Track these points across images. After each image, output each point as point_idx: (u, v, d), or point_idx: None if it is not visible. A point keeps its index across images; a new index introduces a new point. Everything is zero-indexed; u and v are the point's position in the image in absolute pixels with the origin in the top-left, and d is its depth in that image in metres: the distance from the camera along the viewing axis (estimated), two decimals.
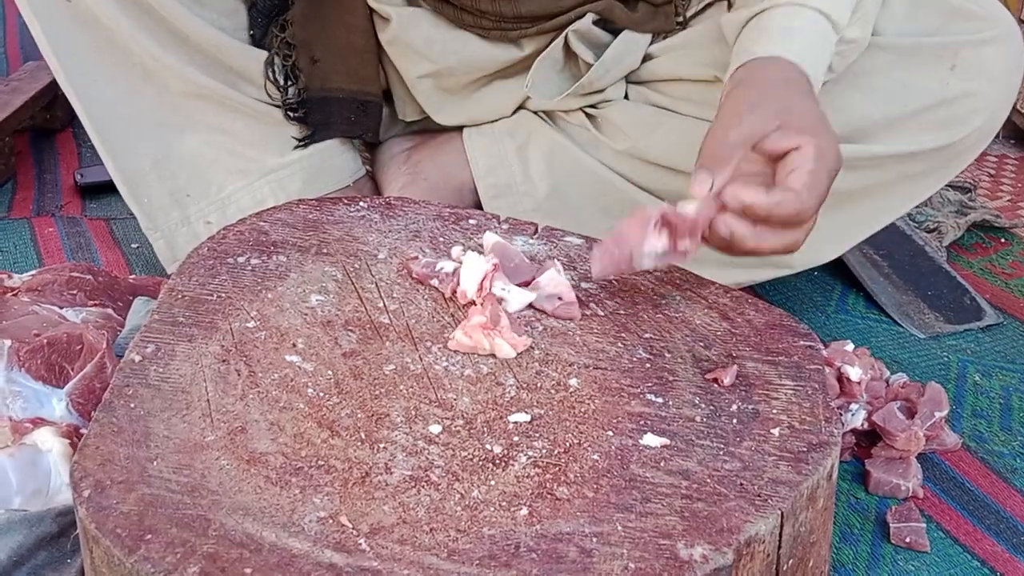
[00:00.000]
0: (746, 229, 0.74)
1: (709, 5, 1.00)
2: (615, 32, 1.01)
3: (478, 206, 1.05)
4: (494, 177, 1.05)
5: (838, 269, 1.15)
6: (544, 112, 1.06)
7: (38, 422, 0.80)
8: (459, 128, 1.08)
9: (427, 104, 1.07)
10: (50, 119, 1.41)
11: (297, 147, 1.04)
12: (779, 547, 0.61)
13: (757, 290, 1.10)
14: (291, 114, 1.03)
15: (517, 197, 1.04)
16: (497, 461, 0.64)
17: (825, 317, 1.09)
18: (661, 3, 1.01)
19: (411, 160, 1.09)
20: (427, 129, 1.11)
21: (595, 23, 1.00)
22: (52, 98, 1.38)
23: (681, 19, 1.01)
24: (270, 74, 1.02)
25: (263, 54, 1.03)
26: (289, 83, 1.03)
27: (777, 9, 0.85)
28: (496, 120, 1.06)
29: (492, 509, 0.60)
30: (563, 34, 0.99)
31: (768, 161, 0.76)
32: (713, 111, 0.99)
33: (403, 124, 1.13)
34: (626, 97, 1.04)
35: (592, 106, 1.04)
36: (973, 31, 0.95)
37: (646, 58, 1.03)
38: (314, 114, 1.04)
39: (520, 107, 1.06)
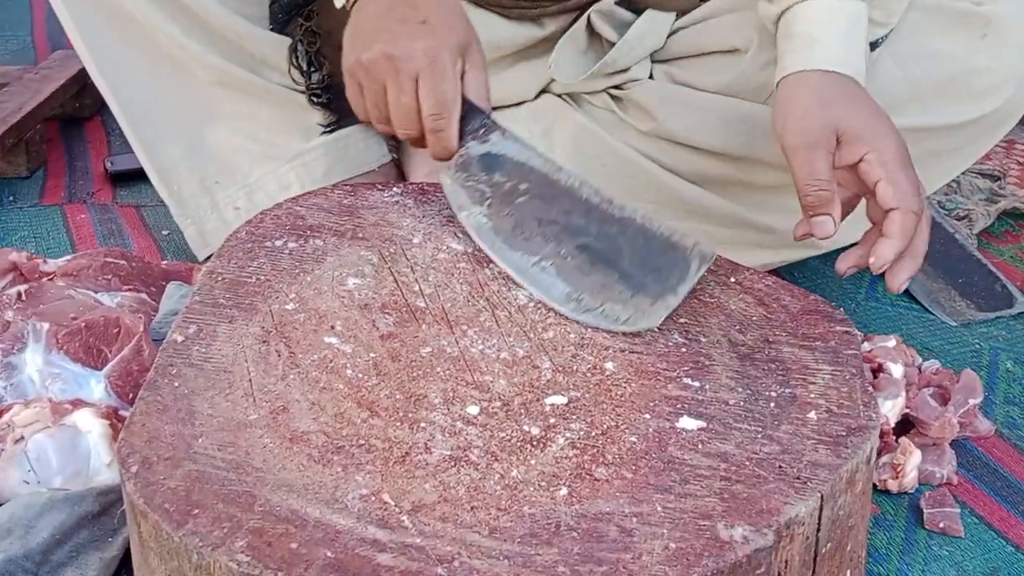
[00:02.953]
0: (908, 265, 0.81)
1: None
2: (638, 12, 1.00)
3: None
4: None
5: None
6: (568, 95, 1.05)
7: (77, 403, 0.81)
8: None
9: None
10: (79, 107, 1.42)
11: (323, 133, 1.05)
12: (818, 530, 0.62)
13: (787, 277, 1.09)
14: (315, 100, 1.04)
15: None
16: (535, 442, 0.64)
17: (855, 305, 1.09)
18: None
19: None
20: None
21: (618, 3, 0.99)
22: (82, 86, 1.39)
23: None
24: (294, 60, 1.03)
25: (286, 40, 1.03)
26: (312, 69, 1.04)
27: (800, 7, 0.86)
28: (520, 104, 1.06)
29: (532, 489, 0.61)
30: (586, 14, 0.99)
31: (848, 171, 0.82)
32: (737, 85, 0.99)
33: None
34: (651, 77, 1.04)
35: (617, 87, 1.04)
36: (1005, 1, 0.94)
37: (669, 35, 1.02)
38: (339, 100, 1.04)
39: (544, 91, 1.06)
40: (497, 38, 1.03)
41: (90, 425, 0.80)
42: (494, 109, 1.09)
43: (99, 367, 0.85)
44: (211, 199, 1.05)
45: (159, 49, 1.00)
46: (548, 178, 0.81)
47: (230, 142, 1.03)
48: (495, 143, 0.83)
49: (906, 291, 1.11)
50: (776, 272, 1.08)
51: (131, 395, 0.84)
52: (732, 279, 0.79)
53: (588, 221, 0.79)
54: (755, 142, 0.98)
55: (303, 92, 1.04)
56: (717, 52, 1.00)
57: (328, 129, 1.05)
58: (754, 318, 0.75)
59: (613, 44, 1.00)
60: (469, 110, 0.83)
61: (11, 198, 1.25)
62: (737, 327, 0.74)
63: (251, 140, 1.03)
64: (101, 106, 1.38)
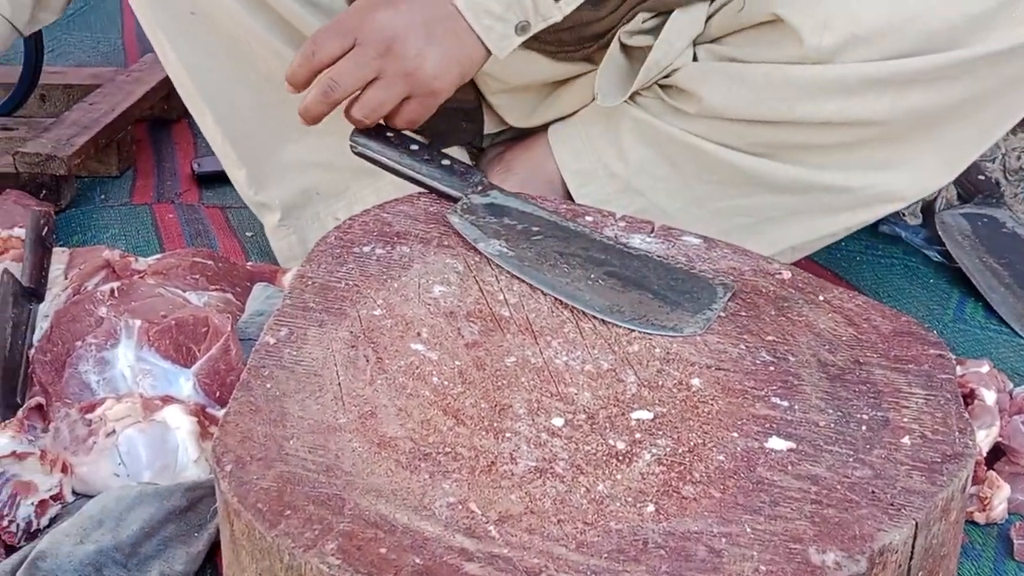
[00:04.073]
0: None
1: None
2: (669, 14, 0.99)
3: (569, 198, 1.06)
4: (578, 164, 1.05)
5: (956, 277, 1.12)
6: None
7: (167, 400, 0.84)
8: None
9: (508, 116, 1.10)
10: (167, 109, 1.46)
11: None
12: (911, 558, 0.60)
13: (872, 296, 1.07)
14: None
15: (605, 180, 1.04)
16: (621, 457, 0.64)
17: (942, 327, 1.06)
18: None
19: (504, 159, 1.12)
20: (519, 137, 1.13)
21: (644, 21, 0.99)
22: (170, 89, 1.43)
23: None
24: None
25: None
26: None
27: None
28: (575, 113, 1.07)
29: (618, 504, 0.60)
30: (616, 36, 0.99)
31: None
32: (778, 52, 0.97)
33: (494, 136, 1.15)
34: (695, 59, 1.02)
35: (665, 76, 1.03)
36: None
37: (707, 18, 1.01)
38: (432, 124, 1.06)
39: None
40: (547, 76, 1.05)
41: (179, 421, 0.82)
42: (552, 122, 1.11)
43: (188, 365, 0.87)
44: (313, 209, 1.08)
45: (256, 63, 1.03)
46: (558, 224, 0.83)
47: (326, 155, 1.06)
48: (496, 197, 0.86)
49: (995, 313, 1.08)
50: (861, 291, 1.06)
51: (218, 393, 0.86)
52: (821, 297, 0.78)
53: (608, 255, 0.80)
54: (806, 103, 0.96)
55: None
56: (753, 26, 0.98)
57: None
58: (844, 338, 0.74)
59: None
60: (466, 170, 0.87)
61: (103, 196, 1.29)
62: (827, 347, 0.73)
63: (348, 154, 1.05)
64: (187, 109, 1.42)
